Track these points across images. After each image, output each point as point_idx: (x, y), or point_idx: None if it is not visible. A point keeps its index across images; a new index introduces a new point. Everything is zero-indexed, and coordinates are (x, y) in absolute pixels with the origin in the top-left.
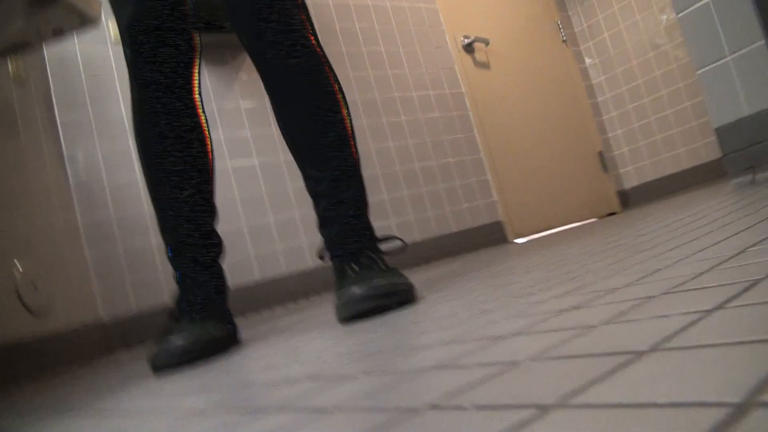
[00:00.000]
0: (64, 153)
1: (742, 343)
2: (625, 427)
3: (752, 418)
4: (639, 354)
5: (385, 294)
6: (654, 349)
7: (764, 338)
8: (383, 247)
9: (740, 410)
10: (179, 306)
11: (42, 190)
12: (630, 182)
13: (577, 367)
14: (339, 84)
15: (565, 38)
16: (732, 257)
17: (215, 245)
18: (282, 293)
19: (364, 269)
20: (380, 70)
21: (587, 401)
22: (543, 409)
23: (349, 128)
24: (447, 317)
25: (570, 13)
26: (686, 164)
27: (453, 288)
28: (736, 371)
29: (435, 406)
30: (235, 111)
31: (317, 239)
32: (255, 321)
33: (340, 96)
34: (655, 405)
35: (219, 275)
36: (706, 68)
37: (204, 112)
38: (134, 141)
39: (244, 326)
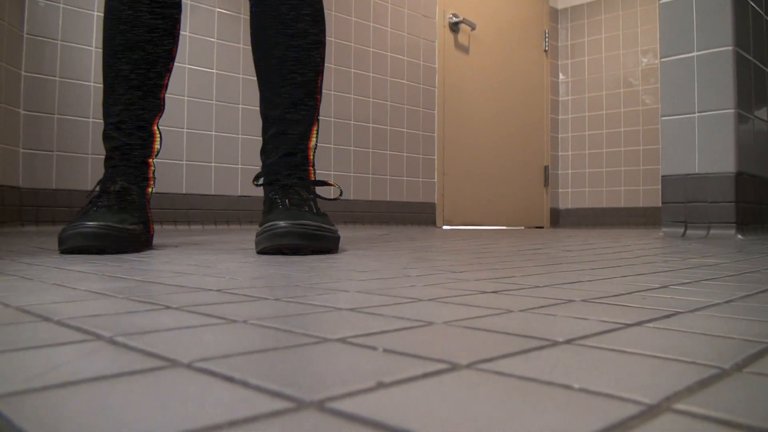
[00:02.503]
0: None
1: (658, 357)
2: (534, 398)
3: (663, 420)
4: (554, 343)
5: (311, 235)
6: (570, 341)
7: (682, 359)
8: (319, 191)
9: (652, 411)
10: (100, 191)
11: None
12: (565, 203)
13: (491, 340)
14: (325, 26)
15: (547, 48)
16: (655, 289)
17: (151, 142)
18: (203, 213)
19: (294, 206)
20: (363, 18)
21: (499, 369)
22: (454, 365)
23: (321, 67)
24: (368, 272)
25: (559, 26)
26: (623, 203)
27: (377, 250)
28: (652, 378)
29: (344, 340)
30: (207, 13)
31: (252, 169)
32: (170, 231)
33: (323, 36)
34: (567, 387)
35: (147, 172)
36: (672, 117)
37: (182, 4)
38: (104, 4)
39: (158, 233)
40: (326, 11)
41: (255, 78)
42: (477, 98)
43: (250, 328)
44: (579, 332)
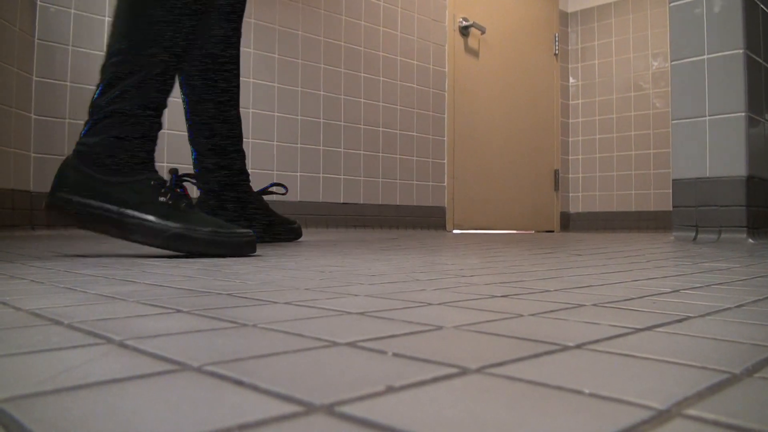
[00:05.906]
0: (38, 2)
1: (669, 362)
2: (544, 403)
3: (674, 425)
4: (565, 347)
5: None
6: (580, 346)
7: (693, 364)
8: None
9: (663, 416)
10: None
11: (3, 36)
12: (575, 207)
13: (501, 344)
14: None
15: (557, 52)
16: (666, 293)
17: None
18: None
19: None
20: (373, 22)
21: (509, 374)
22: (464, 370)
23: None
24: (378, 276)
25: (569, 30)
26: (634, 207)
27: (388, 253)
28: (662, 383)
29: (354, 344)
30: (245, 26)
31: (255, 174)
32: None
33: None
34: (578, 392)
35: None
36: (683, 121)
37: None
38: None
39: None
40: (336, 15)
41: (262, 81)
42: (487, 102)
43: (259, 332)
44: (589, 337)
